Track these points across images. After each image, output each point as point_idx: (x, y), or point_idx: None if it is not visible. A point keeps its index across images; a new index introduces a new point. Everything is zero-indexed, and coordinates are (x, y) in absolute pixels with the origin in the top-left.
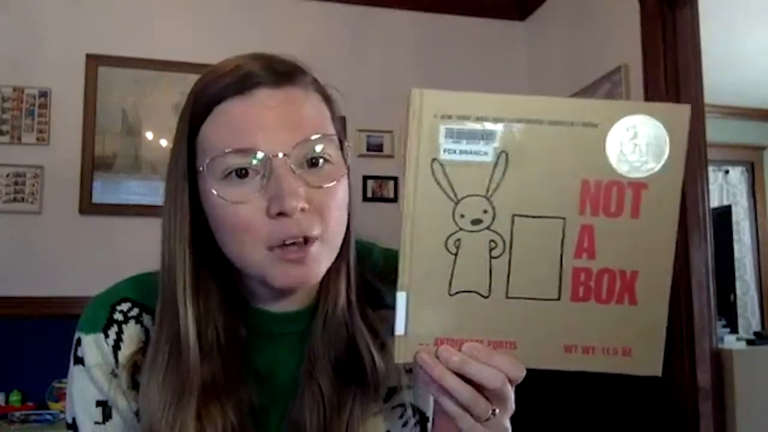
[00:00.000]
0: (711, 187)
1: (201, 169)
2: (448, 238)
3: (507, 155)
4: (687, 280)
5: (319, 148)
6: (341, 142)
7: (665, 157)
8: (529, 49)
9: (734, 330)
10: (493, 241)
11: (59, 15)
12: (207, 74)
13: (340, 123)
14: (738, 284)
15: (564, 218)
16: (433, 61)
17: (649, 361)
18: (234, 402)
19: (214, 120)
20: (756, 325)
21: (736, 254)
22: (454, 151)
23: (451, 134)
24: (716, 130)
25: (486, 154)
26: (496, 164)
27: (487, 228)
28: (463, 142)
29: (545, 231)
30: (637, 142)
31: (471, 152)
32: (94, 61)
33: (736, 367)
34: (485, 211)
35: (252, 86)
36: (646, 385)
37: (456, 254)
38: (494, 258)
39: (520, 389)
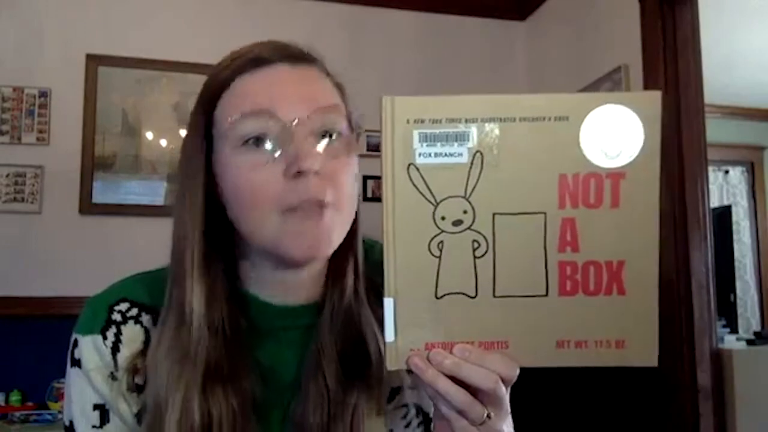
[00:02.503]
0: (711, 187)
1: (218, 133)
2: (430, 240)
3: (482, 155)
4: (687, 280)
5: (333, 119)
6: (351, 123)
7: (640, 145)
8: (529, 49)
9: (734, 330)
10: (475, 241)
11: (59, 15)
12: (222, 59)
13: (350, 113)
14: (738, 284)
15: (544, 213)
16: (433, 61)
17: (643, 352)
18: (236, 391)
19: (230, 94)
20: (756, 325)
21: (736, 254)
22: (430, 155)
23: (425, 138)
24: (716, 130)
25: (461, 155)
26: (471, 165)
27: (469, 228)
28: (437, 144)
29: (527, 227)
30: (611, 132)
31: (446, 154)
32: (94, 61)
33: (736, 367)
34: (465, 212)
35: (267, 63)
36: (646, 385)
37: (440, 257)
38: (478, 258)
39: (517, 392)
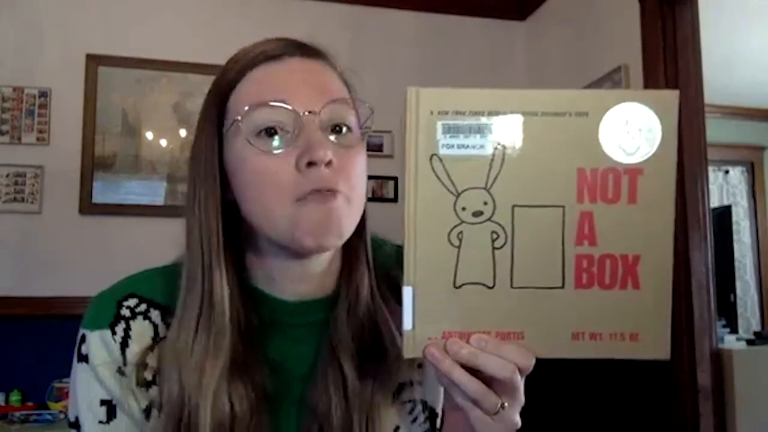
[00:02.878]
0: (711, 187)
1: (235, 120)
2: (450, 231)
3: (504, 147)
4: (687, 280)
5: (343, 113)
6: (358, 119)
7: (658, 142)
8: (529, 49)
9: (734, 330)
10: (495, 232)
11: (59, 15)
12: (236, 53)
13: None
14: (738, 284)
15: (563, 207)
16: (433, 61)
17: (656, 345)
18: (249, 385)
19: (244, 84)
20: (756, 325)
21: (736, 254)
22: (452, 146)
23: (448, 129)
24: (716, 130)
25: (483, 147)
26: (493, 157)
27: (489, 219)
28: (460, 136)
29: (545, 220)
30: (630, 129)
31: (468, 146)
32: (94, 61)
33: (736, 367)
34: (485, 203)
35: (282, 55)
36: (646, 384)
37: (459, 247)
38: (497, 249)
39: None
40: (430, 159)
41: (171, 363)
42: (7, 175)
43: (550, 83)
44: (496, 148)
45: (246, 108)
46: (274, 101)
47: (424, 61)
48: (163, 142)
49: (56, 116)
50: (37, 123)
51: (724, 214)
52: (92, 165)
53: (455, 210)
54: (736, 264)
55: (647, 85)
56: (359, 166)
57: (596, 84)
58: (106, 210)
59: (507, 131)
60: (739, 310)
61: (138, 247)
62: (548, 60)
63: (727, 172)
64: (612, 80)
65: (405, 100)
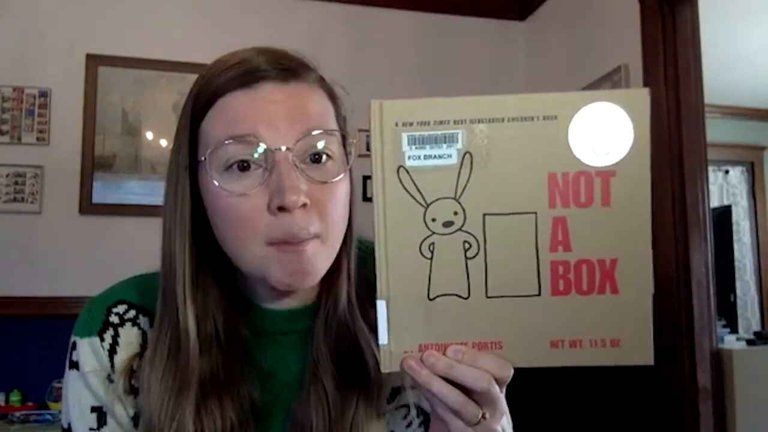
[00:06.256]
0: (711, 187)
1: (203, 159)
2: (421, 242)
3: (471, 156)
4: (687, 280)
5: (321, 143)
6: (344, 139)
7: (630, 143)
8: (529, 49)
9: (734, 330)
10: (466, 242)
11: (59, 15)
12: (211, 67)
13: (345, 121)
14: (738, 284)
15: (535, 213)
16: (432, 61)
17: (639, 350)
18: (234, 400)
19: (216, 112)
20: (756, 325)
21: (736, 254)
22: (419, 157)
23: (414, 141)
24: (716, 130)
25: (450, 156)
26: (461, 166)
27: (460, 229)
28: (426, 147)
29: (518, 227)
30: (600, 130)
31: (435, 156)
32: (94, 61)
33: (736, 367)
34: (456, 213)
35: (256, 80)
36: (646, 385)
37: (431, 258)
38: (470, 259)
39: (518, 391)
40: (397, 171)
41: (144, 383)
42: (7, 175)
43: (550, 83)
44: (463, 157)
45: (215, 143)
46: (245, 135)
47: (424, 62)
48: (163, 142)
49: (56, 116)
50: (37, 123)
51: (724, 214)
52: (92, 165)
53: (425, 221)
54: (736, 264)
55: (647, 85)
56: (337, 198)
57: (596, 84)
58: (106, 210)
59: (474, 139)
60: (739, 310)
61: (138, 247)
62: (548, 60)
63: (727, 172)
64: (612, 80)
65: (369, 113)
